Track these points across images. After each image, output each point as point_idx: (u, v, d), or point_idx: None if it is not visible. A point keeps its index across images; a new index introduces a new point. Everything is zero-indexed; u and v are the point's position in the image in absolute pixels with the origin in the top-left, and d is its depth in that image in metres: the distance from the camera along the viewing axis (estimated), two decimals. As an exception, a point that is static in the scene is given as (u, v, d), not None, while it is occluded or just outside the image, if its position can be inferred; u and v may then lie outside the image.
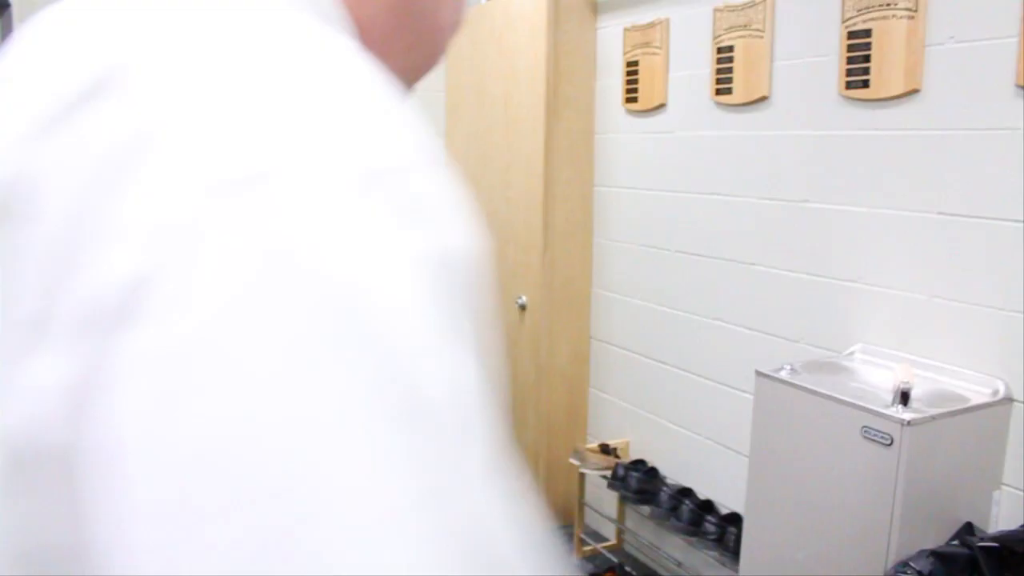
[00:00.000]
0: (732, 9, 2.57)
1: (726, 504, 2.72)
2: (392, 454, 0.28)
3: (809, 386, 2.03)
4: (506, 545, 0.30)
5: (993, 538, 1.87)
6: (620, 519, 3.23)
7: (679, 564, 2.90)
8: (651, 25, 2.90)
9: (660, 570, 3.09)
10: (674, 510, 2.74)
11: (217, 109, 0.31)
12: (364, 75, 0.35)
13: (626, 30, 3.04)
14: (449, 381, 0.30)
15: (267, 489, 0.26)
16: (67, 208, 0.31)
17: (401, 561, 0.27)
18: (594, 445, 3.24)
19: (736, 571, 2.40)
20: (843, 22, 2.28)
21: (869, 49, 2.21)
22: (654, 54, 2.89)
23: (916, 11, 2.09)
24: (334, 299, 0.29)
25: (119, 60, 0.34)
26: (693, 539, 2.71)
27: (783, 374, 2.10)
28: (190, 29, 0.35)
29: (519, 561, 0.30)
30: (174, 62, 0.33)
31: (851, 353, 2.29)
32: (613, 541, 3.29)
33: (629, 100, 3.05)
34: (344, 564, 0.26)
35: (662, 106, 2.90)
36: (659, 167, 2.96)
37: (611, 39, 3.15)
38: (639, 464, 3.02)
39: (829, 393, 1.98)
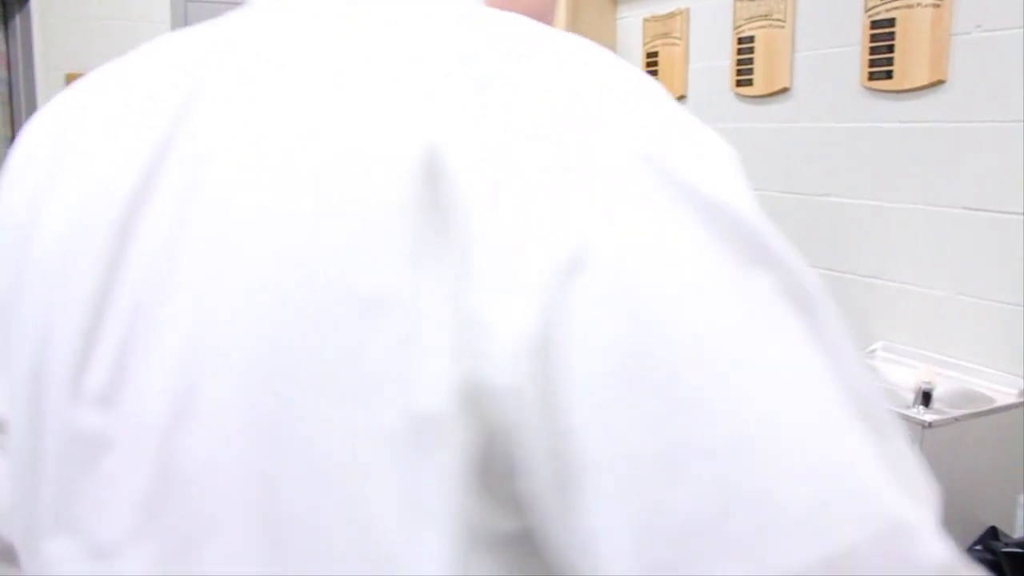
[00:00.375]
0: (753, -2, 2.52)
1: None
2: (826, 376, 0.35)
3: (828, 386, 1.98)
4: (880, 407, 0.37)
5: (1019, 543, 1.82)
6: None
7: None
8: (671, 15, 2.85)
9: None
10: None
11: (592, 106, 0.38)
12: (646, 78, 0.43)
13: (646, 21, 2.99)
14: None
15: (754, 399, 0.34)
16: (517, 184, 0.36)
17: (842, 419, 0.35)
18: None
19: None
20: (866, 11, 2.22)
21: (893, 39, 2.15)
22: (674, 45, 2.84)
23: (941, 0, 2.03)
24: (755, 240, 0.36)
25: (497, 67, 0.39)
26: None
27: (802, 373, 2.06)
28: (521, 45, 0.41)
29: (890, 424, 0.37)
30: (538, 70, 0.39)
31: (872, 351, 2.24)
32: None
33: (649, 92, 3.02)
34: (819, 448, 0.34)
35: (682, 97, 2.85)
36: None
37: (631, 30, 3.11)
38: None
39: (848, 393, 1.93)
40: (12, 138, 2.66)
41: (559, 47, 0.41)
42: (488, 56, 0.39)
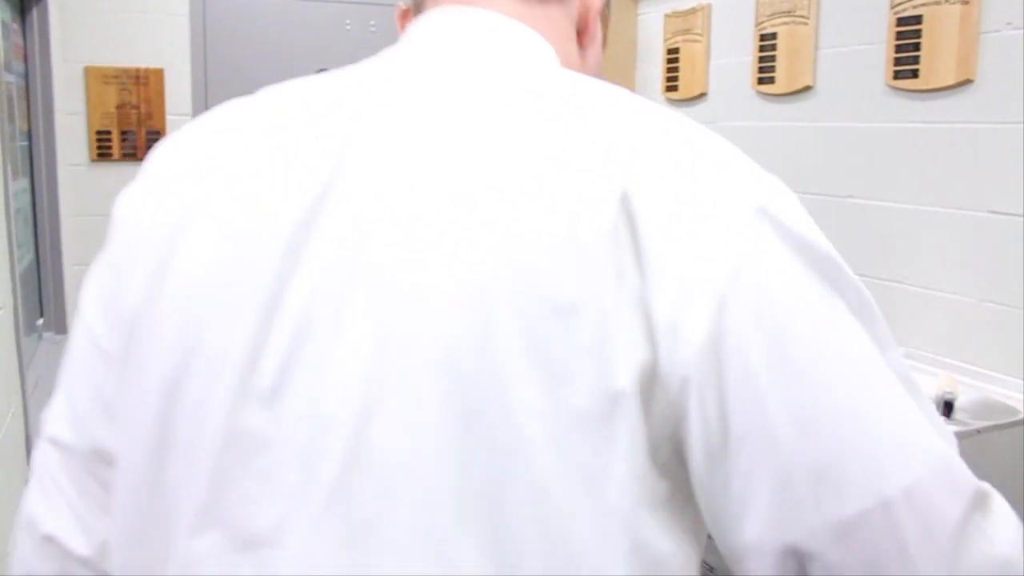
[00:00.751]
0: (776, -6, 2.46)
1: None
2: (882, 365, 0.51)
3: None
4: (912, 377, 0.52)
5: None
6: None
7: None
8: (692, 11, 2.80)
9: None
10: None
11: (712, 165, 0.53)
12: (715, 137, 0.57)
13: (667, 16, 2.94)
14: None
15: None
16: (687, 224, 0.49)
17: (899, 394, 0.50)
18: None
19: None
20: (892, 8, 2.15)
21: (919, 37, 2.09)
22: (695, 41, 2.79)
23: (970, -4, 1.96)
24: (833, 268, 0.51)
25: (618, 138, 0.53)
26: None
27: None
28: (626, 118, 0.55)
29: (920, 388, 0.53)
30: (646, 141, 0.53)
31: (894, 358, 2.17)
32: None
33: (669, 89, 2.96)
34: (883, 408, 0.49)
35: (703, 95, 2.80)
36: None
37: (652, 25, 3.06)
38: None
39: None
40: (29, 132, 2.66)
41: (671, 123, 0.55)
42: (636, 132, 0.53)
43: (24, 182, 2.59)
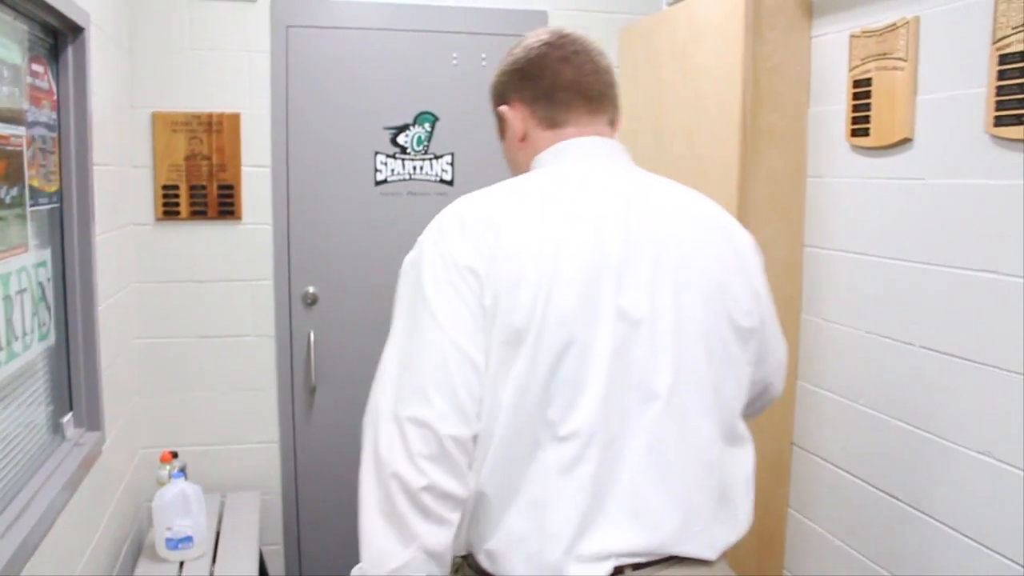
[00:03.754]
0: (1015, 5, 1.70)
1: None
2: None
3: None
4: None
5: None
6: None
7: None
8: (892, 28, 2.06)
9: None
10: None
11: (719, 210, 1.34)
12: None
13: (854, 37, 2.21)
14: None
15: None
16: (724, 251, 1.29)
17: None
18: (795, 595, 2.41)
19: None
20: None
21: None
22: (896, 68, 2.04)
23: None
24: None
25: (637, 192, 1.26)
26: None
27: None
28: (645, 180, 1.32)
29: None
30: (661, 194, 1.31)
31: None
32: None
33: (857, 133, 2.21)
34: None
35: (906, 141, 2.04)
36: (900, 226, 2.10)
37: (832, 50, 2.33)
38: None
39: None
40: (59, 193, 2.23)
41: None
42: (710, 203, 1.34)
43: (44, 253, 2.15)
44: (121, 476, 2.70)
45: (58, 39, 2.22)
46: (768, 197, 2.45)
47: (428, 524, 1.08)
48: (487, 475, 1.13)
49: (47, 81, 2.17)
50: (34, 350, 2.04)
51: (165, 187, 2.91)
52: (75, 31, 2.23)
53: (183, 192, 2.92)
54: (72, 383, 2.33)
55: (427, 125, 3.16)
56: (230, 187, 2.95)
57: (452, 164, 3.19)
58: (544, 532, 1.12)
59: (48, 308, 2.16)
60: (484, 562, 1.17)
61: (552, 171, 1.26)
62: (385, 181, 3.15)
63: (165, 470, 2.73)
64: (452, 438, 1.08)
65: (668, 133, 2.84)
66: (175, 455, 2.80)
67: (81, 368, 2.33)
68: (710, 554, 1.21)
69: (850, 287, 2.31)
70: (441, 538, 1.10)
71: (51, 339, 2.19)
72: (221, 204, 2.96)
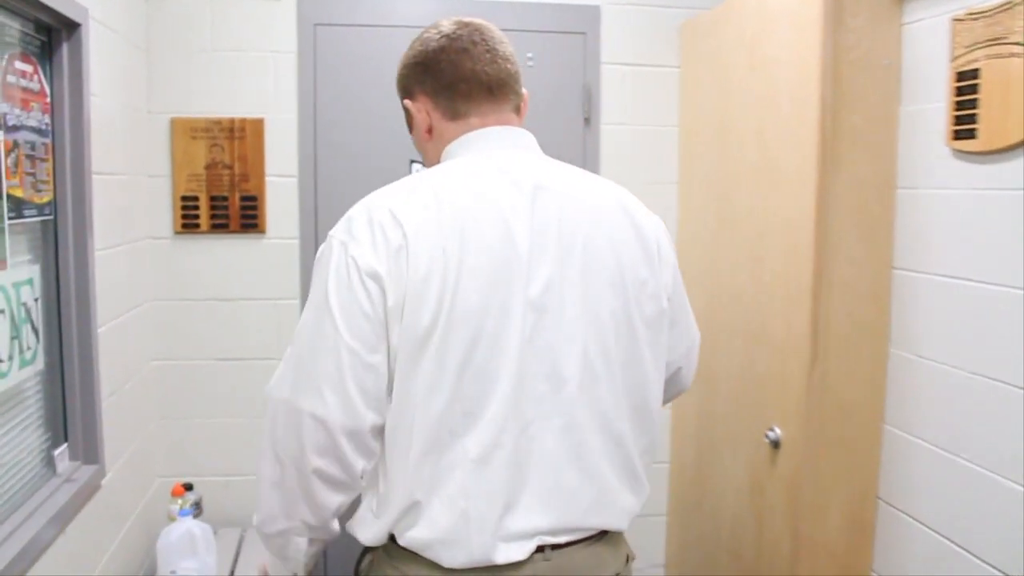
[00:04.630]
0: None
1: None
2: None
3: None
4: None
5: None
6: None
7: None
8: (1008, 6, 1.70)
9: None
10: None
11: (625, 196, 1.37)
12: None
13: (957, 21, 1.86)
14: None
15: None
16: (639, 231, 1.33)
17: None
18: None
19: None
20: None
21: None
22: (1013, 56, 1.69)
23: None
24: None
25: (543, 181, 1.26)
26: None
27: None
28: (551, 168, 1.31)
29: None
30: (566, 182, 1.30)
31: None
32: None
33: (960, 135, 1.86)
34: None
35: (1022, 145, 1.69)
36: (1012, 247, 1.74)
37: (928, 38, 1.98)
38: None
39: None
40: (53, 204, 2.03)
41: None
42: (618, 189, 1.37)
43: (31, 270, 1.94)
44: (130, 509, 2.49)
45: (52, 37, 2.02)
46: (851, 211, 2.11)
47: (310, 504, 1.24)
48: (412, 471, 1.19)
49: (37, 82, 1.97)
50: (14, 376, 1.83)
51: (184, 198, 2.70)
52: (70, 27, 2.03)
53: (203, 203, 2.71)
54: (67, 412, 2.12)
55: (468, 131, 2.90)
56: (253, 198, 2.73)
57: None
58: (468, 521, 1.19)
59: (35, 330, 1.96)
60: (410, 545, 1.23)
61: (459, 162, 1.29)
62: (423, 192, 2.89)
63: (176, 505, 2.52)
64: (345, 431, 1.18)
65: (735, 137, 2.52)
66: (189, 487, 2.59)
67: (77, 395, 2.12)
68: (623, 524, 1.32)
69: (950, 319, 1.94)
70: (322, 515, 1.26)
71: (38, 364, 1.98)
72: (244, 216, 2.74)
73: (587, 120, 2.91)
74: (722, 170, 2.62)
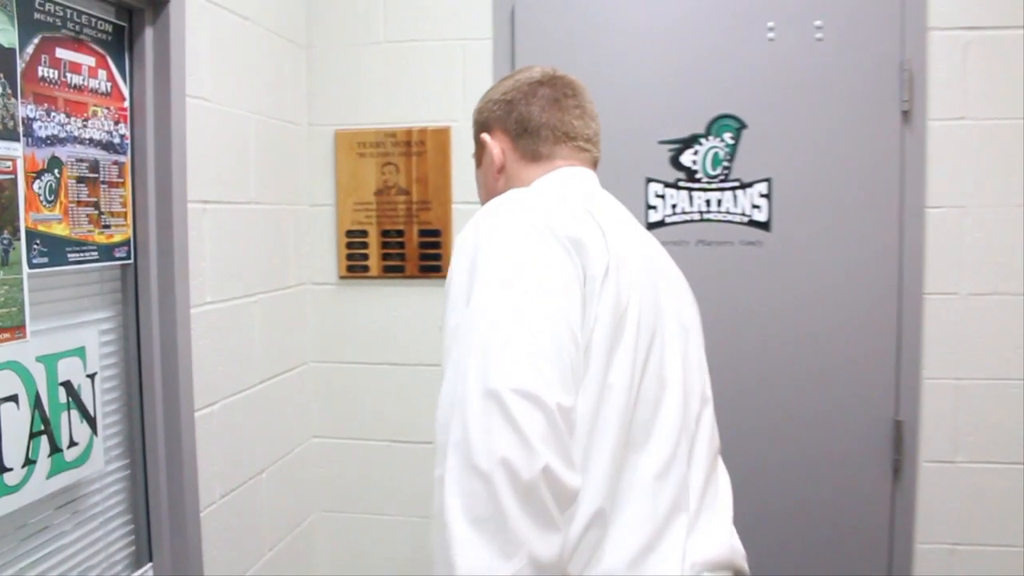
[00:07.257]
0: None
1: None
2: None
3: None
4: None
5: None
6: None
7: None
8: None
9: None
10: None
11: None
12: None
13: None
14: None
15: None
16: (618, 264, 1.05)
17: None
18: None
19: None
20: None
21: None
22: None
23: None
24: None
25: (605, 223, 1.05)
26: None
27: None
28: (605, 207, 1.13)
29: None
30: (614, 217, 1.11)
31: None
32: None
33: None
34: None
35: None
36: None
37: None
38: None
39: None
40: (134, 242, 1.51)
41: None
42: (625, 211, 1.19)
43: (83, 336, 1.42)
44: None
45: (133, 21, 1.51)
46: None
47: (538, 526, 0.84)
48: (600, 480, 0.95)
49: (105, 80, 1.45)
50: (36, 488, 1.31)
51: (349, 233, 2.13)
52: (156, 5, 1.50)
53: (372, 240, 2.11)
54: (151, 524, 1.59)
55: (728, 136, 2.06)
56: (436, 233, 2.09)
57: (768, 196, 2.06)
58: (660, 546, 0.98)
59: (89, 418, 1.43)
60: None
61: (574, 184, 1.20)
62: (662, 223, 2.11)
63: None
64: (561, 408, 0.87)
65: None
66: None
67: (164, 503, 1.58)
68: (745, 565, 1.15)
69: None
70: (553, 547, 0.85)
71: (95, 463, 1.45)
72: (424, 257, 2.11)
73: (906, 114, 1.96)
74: None
